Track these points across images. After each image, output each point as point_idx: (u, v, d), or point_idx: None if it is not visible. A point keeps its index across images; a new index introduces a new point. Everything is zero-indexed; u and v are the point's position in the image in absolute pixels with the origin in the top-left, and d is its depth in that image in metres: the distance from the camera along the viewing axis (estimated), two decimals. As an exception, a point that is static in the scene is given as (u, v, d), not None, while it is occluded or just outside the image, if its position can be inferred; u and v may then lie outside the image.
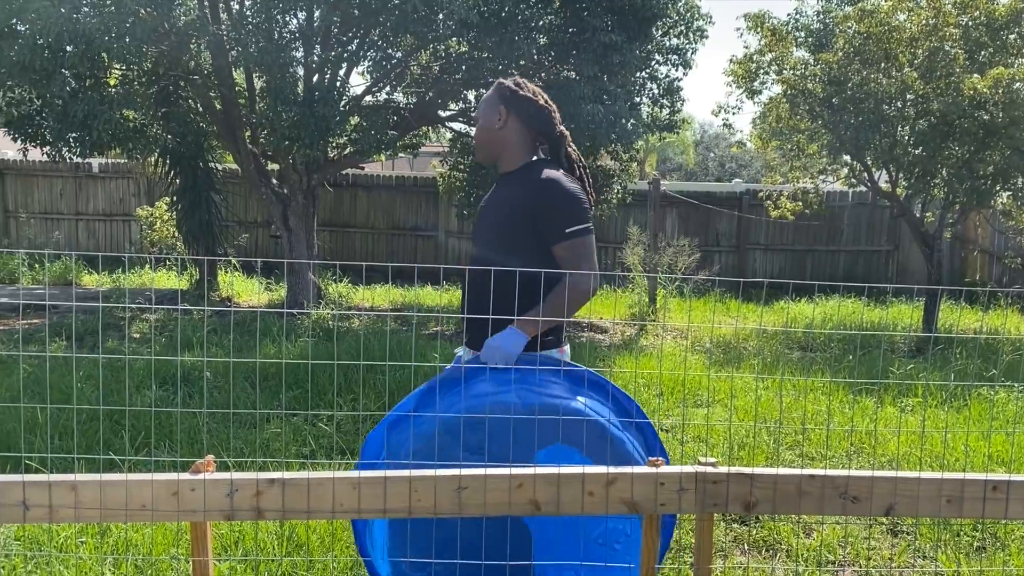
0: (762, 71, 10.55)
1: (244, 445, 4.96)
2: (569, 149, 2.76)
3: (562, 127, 2.77)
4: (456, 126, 11.75)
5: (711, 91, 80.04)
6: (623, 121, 9.24)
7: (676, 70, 10.93)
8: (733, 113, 11.98)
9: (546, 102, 2.75)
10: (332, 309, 10.31)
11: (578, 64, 9.25)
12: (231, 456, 4.73)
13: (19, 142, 8.79)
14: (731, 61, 10.84)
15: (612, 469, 2.00)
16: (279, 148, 9.15)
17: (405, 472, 1.96)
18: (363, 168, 12.73)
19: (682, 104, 11.25)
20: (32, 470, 4.28)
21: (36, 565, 3.16)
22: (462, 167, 11.72)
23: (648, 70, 10.69)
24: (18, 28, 7.69)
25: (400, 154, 12.66)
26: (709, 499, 2.02)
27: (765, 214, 13.15)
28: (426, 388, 2.46)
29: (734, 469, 2.03)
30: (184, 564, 3.20)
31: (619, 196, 11.18)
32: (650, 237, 10.99)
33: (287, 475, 1.96)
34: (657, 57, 10.79)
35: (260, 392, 6.20)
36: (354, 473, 1.97)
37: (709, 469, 2.02)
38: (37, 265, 12.88)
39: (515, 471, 1.96)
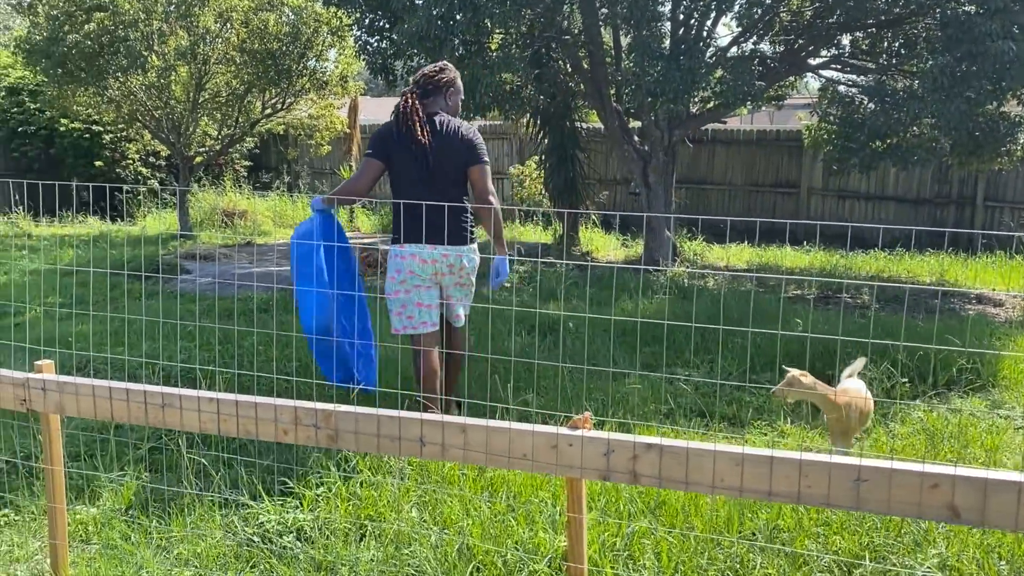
0: None
1: (603, 398, 5.07)
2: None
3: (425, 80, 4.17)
4: (828, 73, 10.87)
5: None
6: (1041, 59, 7.83)
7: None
8: None
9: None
10: (688, 267, 10.20)
11: (983, -5, 7.98)
12: (591, 407, 4.86)
13: (415, 106, 9.77)
14: None
15: (1056, 479, 1.64)
16: (643, 104, 9.15)
17: (795, 454, 1.78)
18: (725, 123, 12.34)
19: None
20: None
21: (424, 491, 3.48)
22: (832, 118, 10.80)
23: (1080, -5, 8.90)
24: (416, 2, 8.49)
25: (763, 106, 12.04)
26: None
27: None
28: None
29: None
30: (549, 507, 3.32)
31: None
32: (1067, 197, 9.26)
33: (665, 442, 1.88)
34: (1094, -22, 8.93)
35: (618, 346, 6.30)
36: (737, 449, 1.83)
37: None
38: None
39: (929, 468, 1.69)
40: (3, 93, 15.47)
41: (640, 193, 10.64)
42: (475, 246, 4.26)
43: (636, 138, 10.66)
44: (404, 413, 2.08)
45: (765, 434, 4.43)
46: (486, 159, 4.09)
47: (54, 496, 2.52)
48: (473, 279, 4.29)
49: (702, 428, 4.55)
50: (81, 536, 3.24)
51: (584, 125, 12.82)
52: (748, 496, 1.84)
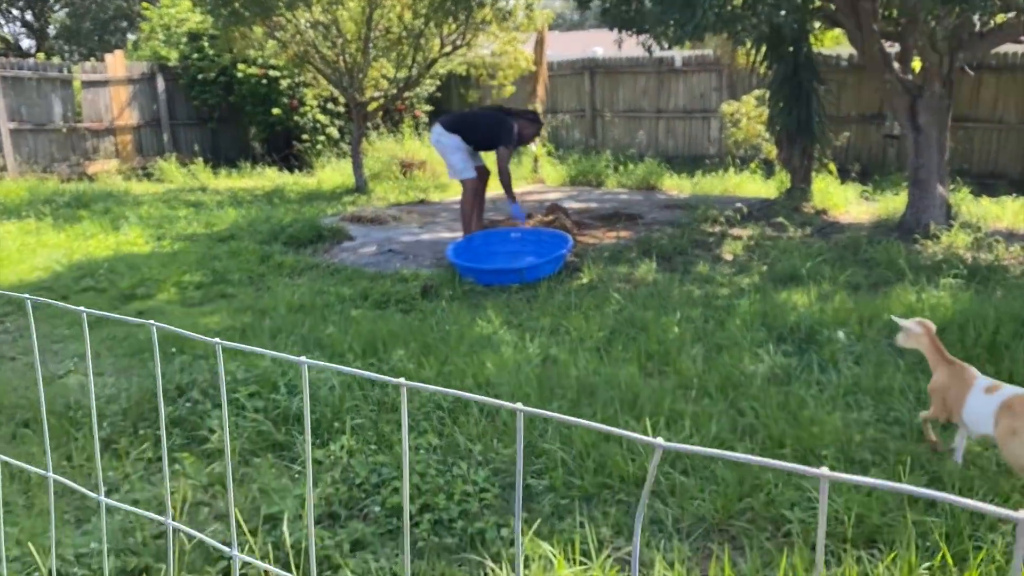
0: None
1: (916, 470, 3.15)
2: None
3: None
4: None
5: None
6: None
7: None
8: None
9: None
10: (970, 233, 7.78)
11: None
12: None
13: (615, 32, 7.90)
14: None
15: None
16: (925, 16, 6.80)
17: None
18: (1022, 41, 9.48)
19: None
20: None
21: None
22: None
23: None
24: None
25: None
26: None
27: None
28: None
29: None
30: None
31: None
32: None
33: None
34: None
35: (906, 370, 4.29)
36: None
37: None
38: (621, 167, 12.54)
39: None
40: (185, 39, 15.00)
41: (904, 136, 8.25)
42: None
43: (897, 65, 8.25)
44: None
45: None
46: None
47: None
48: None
49: None
50: None
51: (818, 51, 10.39)
52: None
